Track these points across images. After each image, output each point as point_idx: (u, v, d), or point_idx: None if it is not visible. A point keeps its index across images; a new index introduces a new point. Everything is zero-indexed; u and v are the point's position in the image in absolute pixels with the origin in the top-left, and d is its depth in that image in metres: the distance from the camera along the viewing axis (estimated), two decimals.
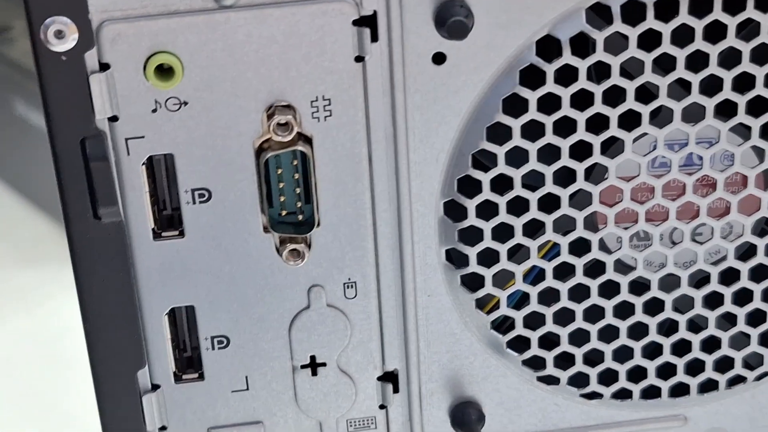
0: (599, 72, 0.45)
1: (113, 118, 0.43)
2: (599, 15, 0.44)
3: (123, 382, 0.48)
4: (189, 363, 0.49)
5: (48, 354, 0.95)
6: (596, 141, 0.45)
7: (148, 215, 0.45)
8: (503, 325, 0.50)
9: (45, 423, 0.89)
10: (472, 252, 0.47)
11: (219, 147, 0.44)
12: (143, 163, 0.44)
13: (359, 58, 0.43)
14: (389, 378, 0.50)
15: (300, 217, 0.46)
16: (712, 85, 0.45)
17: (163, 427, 0.49)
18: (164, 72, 0.43)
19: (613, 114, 0.45)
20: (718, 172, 0.47)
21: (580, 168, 0.46)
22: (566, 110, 0.45)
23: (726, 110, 0.46)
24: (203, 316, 0.47)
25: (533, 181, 0.46)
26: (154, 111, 0.43)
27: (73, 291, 0.46)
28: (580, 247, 0.48)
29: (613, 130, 0.45)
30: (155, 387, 0.48)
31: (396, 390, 0.50)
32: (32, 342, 0.99)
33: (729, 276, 0.49)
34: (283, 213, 0.46)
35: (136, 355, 0.47)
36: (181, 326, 0.48)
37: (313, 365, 0.49)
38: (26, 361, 0.97)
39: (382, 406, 0.50)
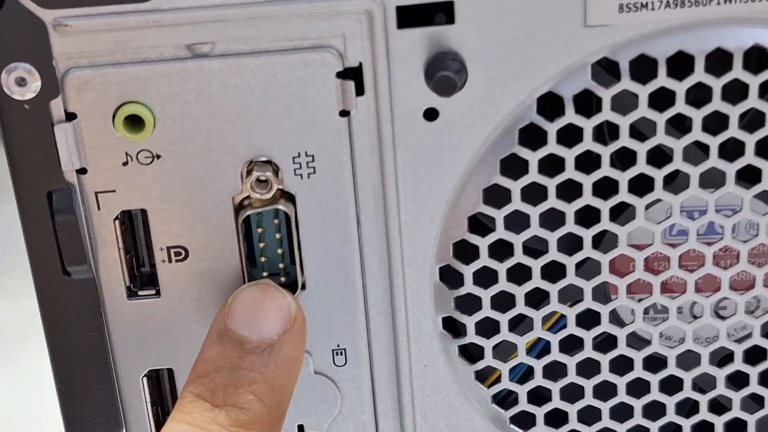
0: (608, 131, 0.41)
1: (82, 171, 0.41)
2: (607, 70, 0.40)
3: None
4: None
5: None
6: (605, 207, 0.42)
7: (122, 272, 0.42)
8: (506, 399, 0.46)
9: None
10: (470, 321, 0.44)
11: (195, 203, 0.41)
12: (116, 218, 0.41)
13: (344, 113, 0.40)
14: None
15: (283, 278, 0.43)
16: (733, 149, 0.41)
17: None
18: (135, 123, 0.40)
19: (623, 178, 0.41)
20: (741, 242, 0.43)
21: (587, 235, 0.42)
22: (570, 173, 0.41)
23: (749, 176, 0.42)
24: (183, 380, 0.44)
25: (536, 246, 0.43)
26: (125, 164, 0.41)
27: None
28: (589, 318, 0.44)
29: (623, 196, 0.42)
30: None
31: None
32: None
33: (755, 354, 0.45)
34: (266, 274, 0.43)
35: (112, 418, 0.45)
36: (164, 388, 0.46)
37: None
38: None
39: None
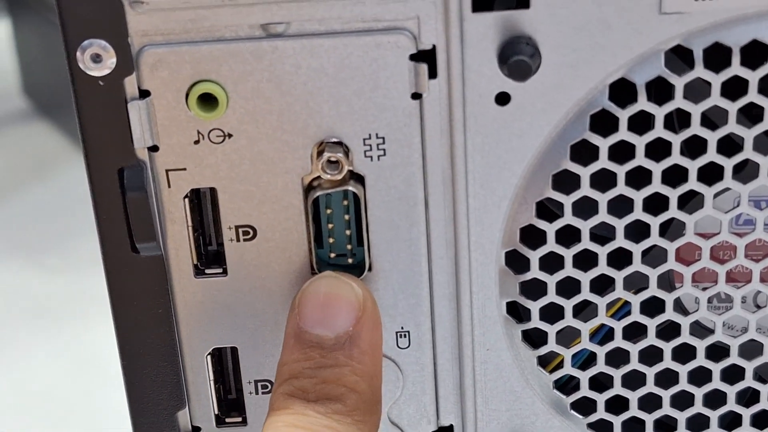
0: (677, 119, 0.41)
1: (153, 148, 0.41)
2: (680, 58, 0.40)
3: (161, 422, 0.45)
4: (233, 406, 0.46)
5: None
6: (673, 195, 0.42)
7: (190, 250, 0.43)
8: (568, 384, 0.46)
9: None
10: (534, 306, 0.44)
11: (264, 183, 0.42)
12: (185, 196, 0.42)
13: (416, 96, 0.40)
14: None
15: (350, 260, 0.43)
16: None
17: None
18: (207, 102, 0.40)
19: (693, 166, 0.41)
20: None
21: (654, 223, 0.42)
22: (640, 160, 0.41)
23: None
24: (246, 358, 0.45)
25: (603, 233, 0.43)
26: (197, 142, 0.41)
27: None
28: (653, 306, 0.44)
29: (692, 184, 0.42)
30: (195, 429, 0.46)
31: None
32: None
33: None
34: (333, 255, 0.43)
35: (175, 395, 0.45)
36: (226, 366, 0.46)
37: None
38: None
39: None
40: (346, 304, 0.41)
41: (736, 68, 0.40)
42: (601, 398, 0.46)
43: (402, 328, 0.44)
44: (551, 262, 0.43)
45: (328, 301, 0.41)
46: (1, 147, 1.52)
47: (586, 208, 0.42)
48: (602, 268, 0.43)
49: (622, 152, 0.41)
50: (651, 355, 0.45)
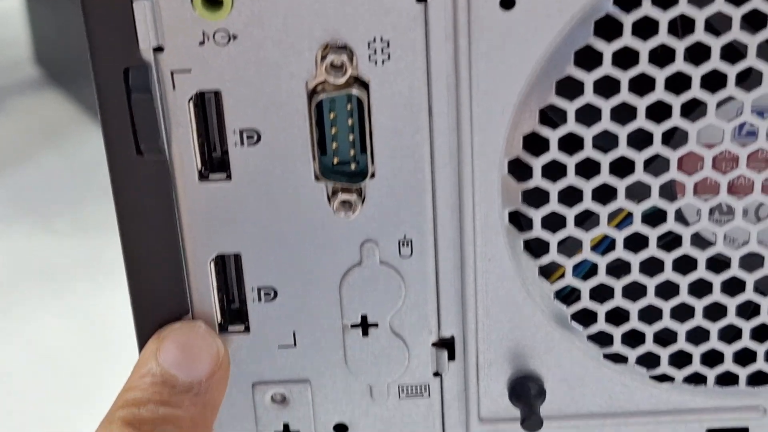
0: (681, 26, 0.41)
1: (158, 49, 0.41)
2: None
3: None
4: (236, 316, 0.47)
5: None
6: (676, 102, 0.42)
7: (194, 155, 0.43)
8: (569, 296, 0.46)
9: None
10: (536, 215, 0.44)
11: (269, 86, 0.42)
12: (190, 99, 0.42)
13: None
14: (445, 344, 0.47)
15: (353, 166, 0.43)
16: None
17: None
18: (213, 2, 0.40)
19: (696, 73, 0.41)
20: None
21: (657, 131, 0.42)
22: (644, 66, 0.41)
23: None
24: (250, 265, 0.45)
25: (606, 142, 0.43)
26: (202, 44, 0.41)
27: None
28: (655, 217, 0.44)
29: (695, 91, 0.42)
30: None
31: (452, 357, 0.47)
32: None
33: None
34: (336, 161, 0.43)
35: (179, 301, 0.45)
36: (230, 276, 0.46)
37: (365, 325, 0.46)
38: None
39: (436, 374, 0.47)
40: (207, 355, 0.44)
41: None
42: (601, 309, 0.46)
43: (405, 236, 0.45)
44: (554, 171, 0.43)
45: (191, 346, 0.44)
46: (14, 115, 1.54)
47: (589, 116, 0.42)
48: (605, 176, 0.43)
49: (626, 59, 0.41)
50: (652, 267, 0.45)
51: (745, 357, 0.47)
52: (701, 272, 0.45)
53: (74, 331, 1.07)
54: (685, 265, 0.45)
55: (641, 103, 0.42)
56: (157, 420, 0.42)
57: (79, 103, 1.51)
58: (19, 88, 1.61)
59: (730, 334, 0.47)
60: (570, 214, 0.44)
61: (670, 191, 0.44)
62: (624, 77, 0.41)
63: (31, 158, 1.40)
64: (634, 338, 0.47)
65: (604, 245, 0.45)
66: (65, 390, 1.00)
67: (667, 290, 0.46)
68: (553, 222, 0.44)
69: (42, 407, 0.99)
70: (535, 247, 0.45)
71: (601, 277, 0.45)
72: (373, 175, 0.43)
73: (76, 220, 1.26)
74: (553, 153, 0.43)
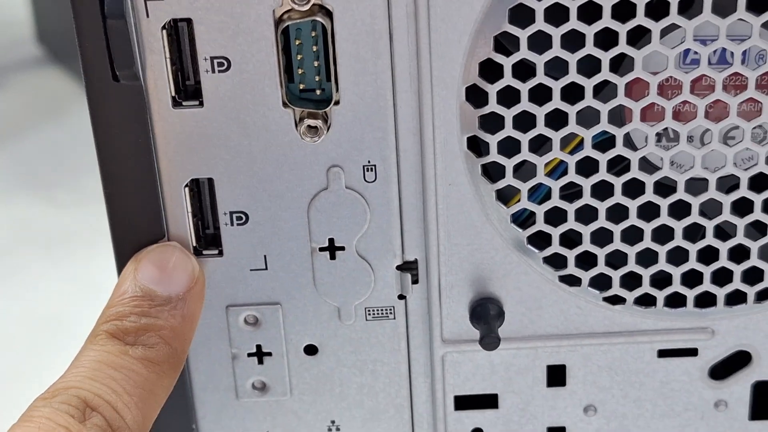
0: None
1: None
2: None
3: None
4: (211, 242, 0.49)
5: None
6: (622, 30, 0.44)
7: (168, 82, 0.45)
8: (526, 221, 0.49)
9: None
10: (493, 140, 0.46)
11: (238, 14, 0.44)
12: (163, 27, 0.44)
13: None
14: (408, 268, 0.49)
15: (319, 92, 0.46)
16: None
17: None
18: None
19: (641, 2, 0.44)
20: (749, 70, 0.45)
21: (605, 57, 0.45)
22: None
23: (759, 4, 0.44)
24: (222, 189, 0.47)
25: (557, 71, 0.45)
26: None
27: None
28: (606, 144, 0.47)
29: (640, 19, 0.44)
30: None
31: (415, 281, 0.50)
32: None
33: (760, 182, 0.48)
34: (302, 87, 0.46)
35: (155, 225, 0.48)
36: (204, 202, 0.48)
37: (332, 248, 0.49)
38: None
39: (401, 296, 0.50)
40: (183, 271, 0.47)
41: None
42: (555, 232, 0.48)
43: (369, 161, 0.47)
44: (509, 97, 0.46)
45: (167, 265, 0.47)
46: (16, 91, 1.57)
47: (542, 44, 0.45)
48: (556, 102, 0.46)
49: None
50: (604, 192, 0.48)
51: (692, 279, 0.49)
52: (649, 196, 0.48)
53: (74, 297, 1.10)
54: (634, 189, 0.48)
55: (590, 30, 0.44)
56: (140, 329, 0.45)
57: (80, 81, 1.53)
58: (21, 67, 1.64)
59: (678, 257, 0.49)
60: (524, 138, 0.46)
61: (619, 117, 0.46)
62: (573, 5, 0.44)
63: (32, 132, 1.44)
64: (587, 261, 0.49)
65: (559, 171, 0.48)
66: (65, 354, 1.02)
67: (618, 214, 0.48)
68: (510, 148, 0.47)
69: (42, 371, 1.01)
70: (493, 173, 0.48)
71: (555, 201, 0.48)
72: (337, 102, 0.46)
73: (76, 190, 1.29)
74: (507, 79, 0.45)
